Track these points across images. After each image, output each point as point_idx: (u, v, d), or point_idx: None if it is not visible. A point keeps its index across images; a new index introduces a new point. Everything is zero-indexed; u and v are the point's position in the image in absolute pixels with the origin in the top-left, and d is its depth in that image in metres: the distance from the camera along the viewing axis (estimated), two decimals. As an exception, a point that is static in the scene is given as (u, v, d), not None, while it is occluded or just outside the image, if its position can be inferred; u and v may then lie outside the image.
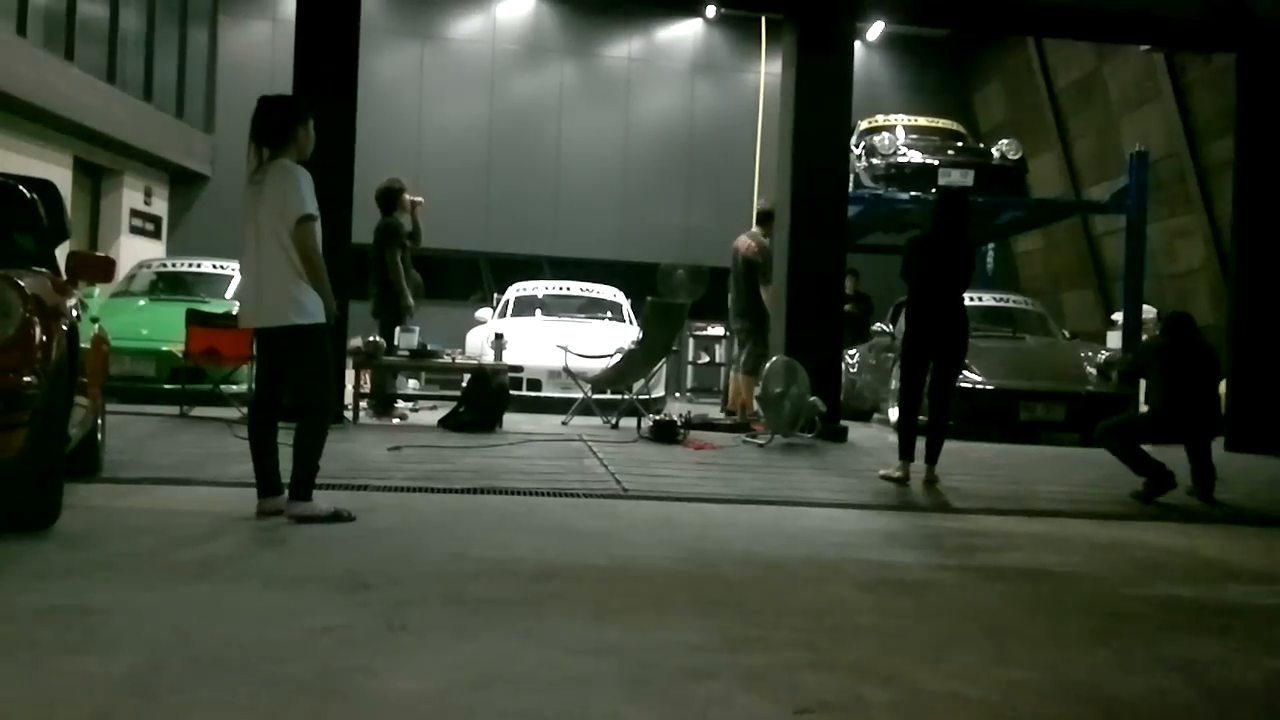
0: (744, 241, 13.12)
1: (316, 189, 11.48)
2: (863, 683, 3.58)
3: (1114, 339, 16.51)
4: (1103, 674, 3.85)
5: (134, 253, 18.64)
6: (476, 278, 23.33)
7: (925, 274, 9.04)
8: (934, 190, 16.00)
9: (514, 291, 17.17)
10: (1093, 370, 13.49)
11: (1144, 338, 14.33)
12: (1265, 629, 4.82)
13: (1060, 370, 13.62)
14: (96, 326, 7.36)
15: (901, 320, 14.39)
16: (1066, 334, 16.54)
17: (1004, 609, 4.89)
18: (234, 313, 8.30)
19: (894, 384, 13.49)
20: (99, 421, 7.44)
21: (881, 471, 9.06)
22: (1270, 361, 12.86)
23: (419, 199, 12.96)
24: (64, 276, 6.57)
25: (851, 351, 15.77)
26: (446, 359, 13.09)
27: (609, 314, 16.74)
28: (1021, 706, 3.44)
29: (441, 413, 11.68)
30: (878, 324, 15.28)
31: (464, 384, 11.80)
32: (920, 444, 8.92)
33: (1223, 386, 14.28)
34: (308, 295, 6.19)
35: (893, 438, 9.62)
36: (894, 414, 13.19)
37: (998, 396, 12.96)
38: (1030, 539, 6.81)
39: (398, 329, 12.56)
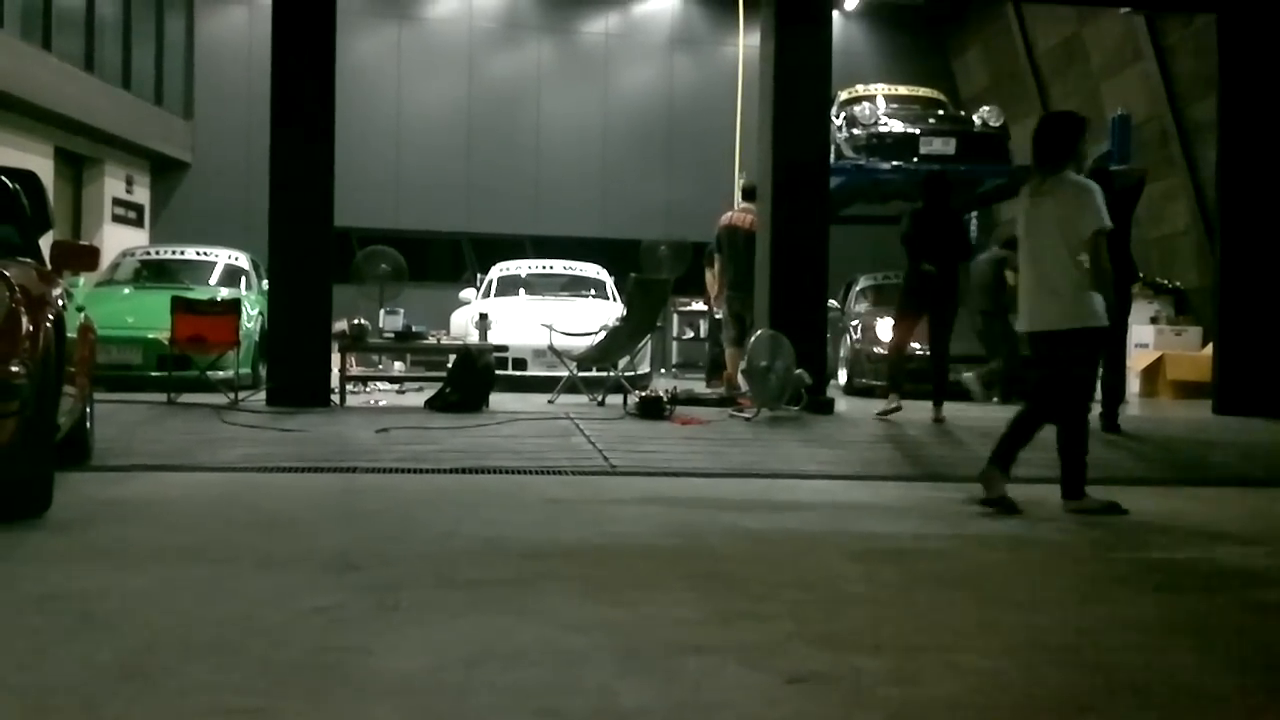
0: (743, 217, 13.11)
1: (297, 172, 11.55)
2: (854, 652, 3.61)
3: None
4: (1096, 639, 3.87)
5: (117, 241, 18.60)
6: (459, 259, 23.32)
7: (918, 247, 10.73)
8: (915, 160, 16.07)
9: (497, 271, 17.15)
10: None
11: None
12: (1256, 590, 4.86)
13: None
14: (82, 315, 7.35)
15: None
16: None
17: (994, 576, 4.92)
18: (219, 298, 8.18)
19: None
20: (87, 410, 7.44)
21: (877, 411, 10.83)
22: (1257, 323, 12.85)
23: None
24: (49, 266, 6.57)
25: None
26: (431, 340, 13.10)
27: (593, 291, 16.73)
28: (1014, 673, 3.47)
29: (428, 394, 11.69)
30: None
31: (449, 365, 11.80)
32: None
33: (1209, 349, 14.41)
34: (1095, 300, 6.51)
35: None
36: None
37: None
38: (1021, 505, 6.84)
39: (382, 311, 12.60)
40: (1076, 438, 6.65)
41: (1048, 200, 6.59)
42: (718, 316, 14.25)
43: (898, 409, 10.67)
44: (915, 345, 11.36)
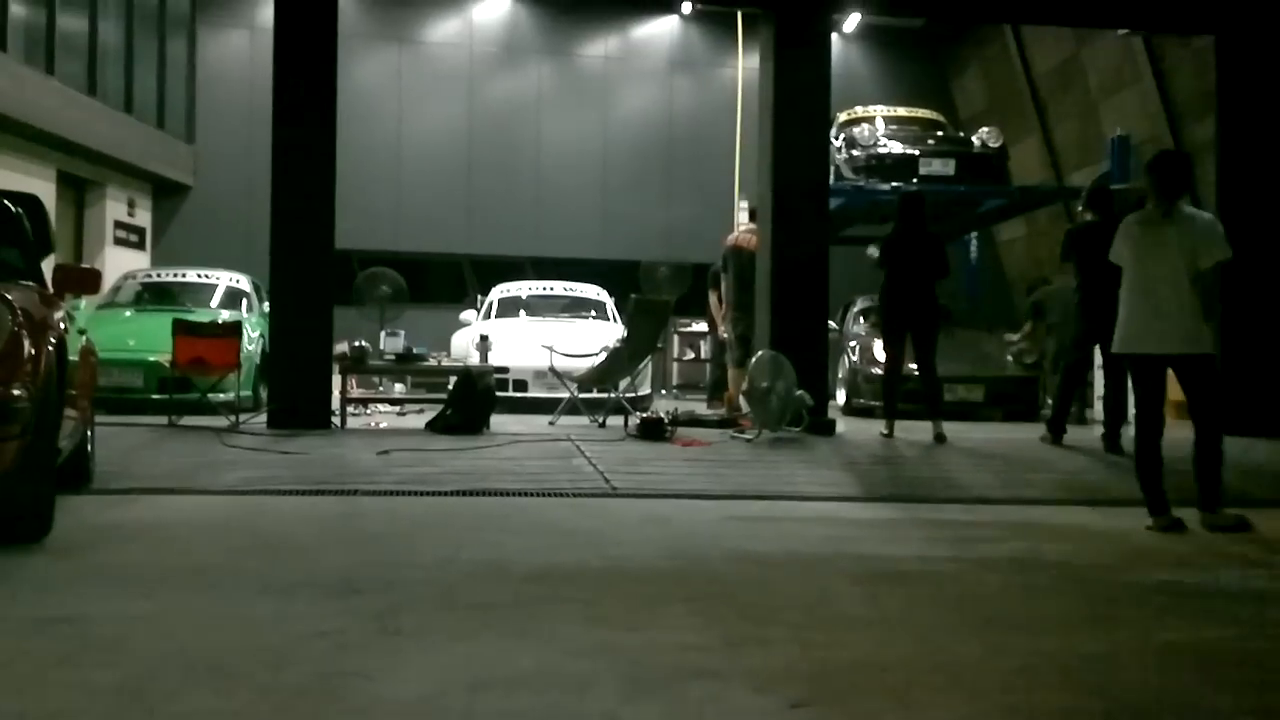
0: (749, 238, 13.19)
1: (298, 195, 11.58)
2: (858, 675, 3.60)
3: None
4: (1099, 662, 3.87)
5: (119, 264, 18.59)
6: (460, 280, 23.34)
7: (895, 267, 11.08)
8: (915, 181, 16.11)
9: (498, 293, 17.15)
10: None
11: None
12: (1258, 611, 4.85)
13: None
14: (84, 338, 7.35)
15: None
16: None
17: (999, 599, 4.91)
18: (220, 321, 8.12)
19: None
20: (88, 433, 7.44)
21: (881, 431, 11.11)
22: (1258, 343, 12.85)
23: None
24: (50, 290, 6.57)
25: None
26: (432, 362, 13.09)
27: (593, 313, 16.73)
28: (1019, 696, 3.46)
29: (428, 416, 11.68)
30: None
31: (450, 386, 11.80)
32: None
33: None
34: (1209, 328, 6.81)
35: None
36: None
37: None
38: (1024, 527, 6.83)
39: (383, 332, 12.62)
40: (1218, 454, 7.04)
41: (1168, 229, 6.77)
42: (723, 337, 14.27)
43: (889, 435, 11.01)
44: (912, 366, 11.36)
